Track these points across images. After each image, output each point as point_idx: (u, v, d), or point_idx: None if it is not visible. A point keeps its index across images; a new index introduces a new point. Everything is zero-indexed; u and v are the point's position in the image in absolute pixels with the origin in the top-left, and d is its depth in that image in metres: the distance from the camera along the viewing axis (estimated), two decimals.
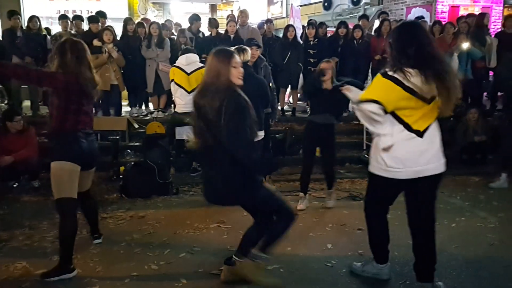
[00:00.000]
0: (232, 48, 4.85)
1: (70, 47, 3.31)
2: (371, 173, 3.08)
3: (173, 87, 5.99)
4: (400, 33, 2.89)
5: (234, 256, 3.17)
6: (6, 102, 8.21)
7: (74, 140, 3.30)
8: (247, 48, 4.87)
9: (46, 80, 3.28)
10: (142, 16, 11.96)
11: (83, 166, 3.36)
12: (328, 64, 4.61)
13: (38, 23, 7.36)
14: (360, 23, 8.00)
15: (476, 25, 7.76)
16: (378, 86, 2.84)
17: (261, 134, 4.73)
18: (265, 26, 8.18)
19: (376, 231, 3.26)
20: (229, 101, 2.75)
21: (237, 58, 2.90)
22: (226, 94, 2.77)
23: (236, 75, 2.86)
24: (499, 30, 8.19)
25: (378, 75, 2.85)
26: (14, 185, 5.61)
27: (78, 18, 7.90)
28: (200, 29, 8.06)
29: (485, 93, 8.25)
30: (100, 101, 7.27)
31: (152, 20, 8.56)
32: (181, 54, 6.15)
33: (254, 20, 10.53)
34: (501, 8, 10.73)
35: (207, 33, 7.92)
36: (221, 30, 7.86)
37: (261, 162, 2.93)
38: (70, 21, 7.67)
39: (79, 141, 3.31)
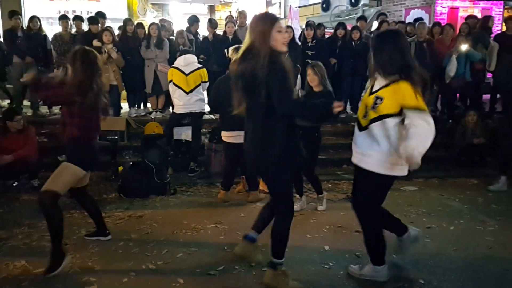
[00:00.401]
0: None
1: (81, 57, 3.43)
2: (375, 173, 3.01)
3: (171, 88, 6.00)
4: (387, 42, 2.96)
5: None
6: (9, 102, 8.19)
7: (89, 149, 3.57)
8: None
9: (63, 99, 3.46)
10: (141, 17, 11.96)
11: (90, 170, 3.66)
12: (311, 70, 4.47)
13: (39, 23, 7.36)
14: (358, 24, 8.01)
15: (481, 26, 7.77)
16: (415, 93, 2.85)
17: None
18: None
19: (374, 232, 3.23)
20: (273, 68, 2.67)
21: (282, 23, 2.80)
22: (269, 60, 2.68)
23: (281, 41, 2.77)
24: (499, 31, 8.19)
25: (407, 83, 2.85)
26: (14, 184, 5.61)
27: (78, 18, 7.90)
28: (198, 30, 8.07)
29: (484, 95, 8.26)
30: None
31: (151, 21, 8.56)
32: (179, 55, 6.15)
33: None
34: (501, 9, 10.75)
35: (205, 34, 7.92)
36: (219, 31, 7.86)
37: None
38: (70, 21, 7.66)
39: (92, 150, 3.60)
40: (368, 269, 3.31)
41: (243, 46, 2.85)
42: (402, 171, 3.02)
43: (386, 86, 2.93)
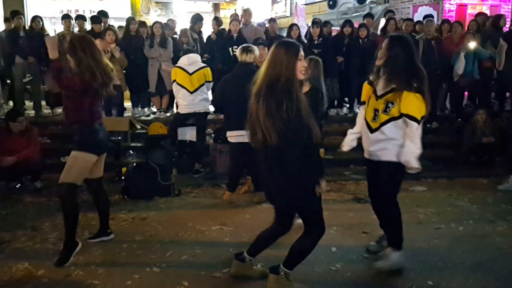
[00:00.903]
0: (238, 48, 4.86)
1: (79, 43, 3.54)
2: (396, 163, 3.24)
3: (175, 87, 5.95)
4: (404, 46, 3.21)
5: (245, 253, 3.27)
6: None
7: (93, 132, 3.60)
8: (254, 47, 4.83)
9: (65, 82, 3.55)
10: (144, 16, 11.94)
11: (98, 153, 3.65)
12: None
13: (41, 23, 7.33)
14: (365, 22, 7.92)
15: (492, 24, 7.66)
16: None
17: None
18: (267, 25, 8.12)
19: (399, 220, 3.44)
20: (290, 100, 2.63)
21: (301, 51, 2.77)
22: (288, 91, 2.65)
23: (300, 69, 2.75)
24: (507, 29, 8.07)
25: (416, 94, 3.13)
26: (17, 186, 5.59)
27: (80, 18, 7.87)
28: (202, 29, 8.02)
29: (493, 94, 8.16)
30: (102, 102, 7.25)
31: (155, 20, 8.52)
32: (182, 55, 6.11)
33: (257, 19, 10.48)
34: (510, 7, 10.62)
35: (209, 32, 7.85)
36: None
37: (309, 166, 2.79)
38: (73, 21, 7.63)
39: (97, 132, 3.62)
40: (394, 257, 3.40)
41: (263, 76, 2.76)
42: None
43: (392, 91, 3.19)
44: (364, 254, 3.71)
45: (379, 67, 3.31)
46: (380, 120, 3.25)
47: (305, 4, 14.67)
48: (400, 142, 3.22)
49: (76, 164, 3.55)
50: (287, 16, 15.68)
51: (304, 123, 2.66)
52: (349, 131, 3.69)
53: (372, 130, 3.32)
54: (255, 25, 8.07)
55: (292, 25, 7.64)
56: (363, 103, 3.53)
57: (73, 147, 3.62)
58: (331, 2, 13.53)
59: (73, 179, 3.53)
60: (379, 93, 3.29)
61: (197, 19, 8.00)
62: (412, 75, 3.15)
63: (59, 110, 7.64)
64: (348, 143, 3.63)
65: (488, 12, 9.00)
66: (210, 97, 6.40)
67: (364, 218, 4.35)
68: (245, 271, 3.29)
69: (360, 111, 3.64)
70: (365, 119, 3.41)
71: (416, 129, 3.16)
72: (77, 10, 11.29)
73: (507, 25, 8.30)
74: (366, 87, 3.50)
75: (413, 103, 3.13)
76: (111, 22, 8.61)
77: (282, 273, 3.02)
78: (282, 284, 3.03)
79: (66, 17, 7.60)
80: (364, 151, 3.51)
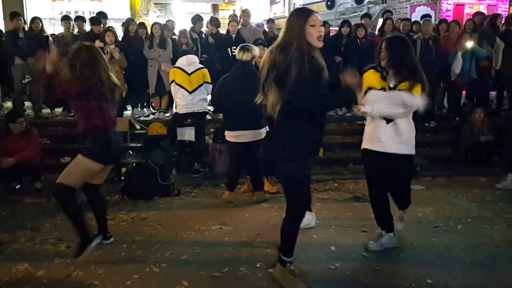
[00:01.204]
0: (236, 48, 4.87)
1: (86, 53, 3.46)
2: (412, 156, 3.67)
3: (173, 88, 5.96)
4: (402, 45, 3.50)
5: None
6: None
7: (105, 141, 3.51)
8: (252, 46, 4.84)
9: (66, 92, 3.43)
10: (144, 17, 11.95)
11: (106, 163, 3.59)
12: None
13: (40, 24, 7.33)
14: (362, 22, 7.93)
15: (489, 23, 7.67)
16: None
17: (265, 130, 4.75)
18: (266, 25, 8.14)
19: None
20: (301, 63, 2.63)
21: (317, 17, 2.76)
22: (300, 55, 2.65)
23: (315, 35, 2.72)
24: (504, 28, 8.09)
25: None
26: (16, 187, 5.59)
27: (80, 19, 7.88)
28: (202, 29, 8.04)
29: (492, 93, 8.17)
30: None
31: (154, 21, 8.53)
32: (180, 56, 6.13)
33: (256, 20, 10.49)
34: (507, 6, 10.65)
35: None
36: (223, 30, 7.81)
37: (342, 98, 2.86)
38: (73, 22, 7.64)
39: (109, 141, 3.53)
40: (387, 239, 3.78)
41: (278, 39, 2.82)
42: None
43: (400, 83, 3.46)
44: (364, 252, 3.72)
45: (384, 67, 3.55)
46: None
47: (303, 5, 14.69)
48: (411, 136, 3.61)
49: (79, 169, 3.50)
50: (286, 17, 15.69)
51: (308, 90, 2.65)
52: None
53: (388, 121, 3.54)
54: (254, 26, 8.09)
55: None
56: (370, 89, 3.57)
57: (82, 151, 3.54)
58: (329, 3, 13.55)
59: (72, 182, 3.47)
60: (391, 85, 3.52)
61: (196, 19, 8.02)
62: (413, 70, 3.47)
63: (59, 111, 7.67)
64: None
65: (485, 12, 9.01)
66: (209, 97, 6.41)
67: (363, 217, 4.37)
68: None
69: (372, 94, 3.55)
70: None
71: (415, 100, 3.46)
72: (76, 11, 11.29)
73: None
74: (372, 73, 3.60)
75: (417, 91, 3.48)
76: (110, 23, 8.62)
77: (287, 267, 3.08)
78: (284, 276, 3.09)
79: (65, 18, 7.60)
80: (371, 145, 3.65)
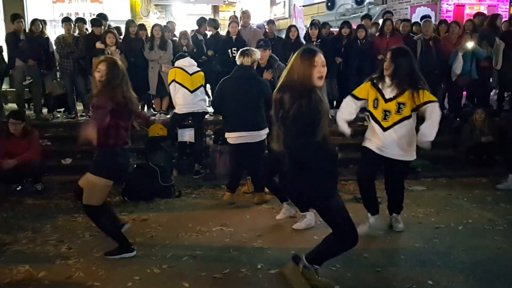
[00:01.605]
0: (236, 50, 4.90)
1: (120, 70, 3.53)
2: (410, 161, 4.00)
3: (173, 87, 5.98)
4: (407, 57, 3.75)
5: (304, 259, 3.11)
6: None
7: (113, 157, 3.52)
8: (253, 50, 4.86)
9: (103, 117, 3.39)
10: (144, 18, 11.96)
11: (116, 180, 3.68)
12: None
13: (41, 26, 7.35)
14: (363, 23, 7.94)
15: (488, 24, 7.67)
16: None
17: (265, 131, 4.77)
18: (266, 27, 8.15)
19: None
20: (302, 100, 2.69)
21: (320, 57, 2.81)
22: (302, 93, 2.71)
23: (316, 75, 2.77)
24: (505, 29, 8.09)
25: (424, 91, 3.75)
26: (17, 188, 5.59)
27: (80, 20, 7.89)
28: (207, 31, 8.07)
29: (492, 93, 8.17)
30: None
31: (155, 23, 8.56)
32: (176, 59, 6.19)
33: (257, 21, 10.50)
34: (507, 7, 10.65)
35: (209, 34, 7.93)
36: (222, 32, 7.82)
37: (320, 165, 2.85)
38: (73, 24, 7.65)
39: (117, 158, 3.54)
40: (373, 220, 4.13)
41: (282, 80, 2.86)
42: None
43: (402, 92, 3.73)
44: (364, 254, 3.71)
45: (384, 76, 3.80)
46: (393, 119, 3.78)
47: (304, 6, 14.71)
48: (411, 142, 3.85)
49: (96, 190, 3.54)
50: (286, 18, 15.70)
51: (308, 123, 2.71)
52: (340, 119, 4.00)
53: (384, 129, 3.84)
54: (254, 27, 8.09)
55: (291, 26, 7.66)
56: (355, 96, 3.99)
57: (90, 168, 3.57)
58: (329, 4, 13.56)
59: (95, 202, 3.55)
60: (387, 97, 3.79)
61: (202, 22, 8.09)
62: (415, 79, 3.73)
63: (60, 113, 7.68)
64: (348, 130, 3.98)
65: (486, 12, 9.01)
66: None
67: (364, 218, 4.36)
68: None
69: (349, 102, 4.04)
70: (375, 118, 3.88)
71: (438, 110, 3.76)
72: (77, 13, 11.30)
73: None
74: (367, 86, 3.94)
75: (426, 94, 3.73)
76: (111, 24, 8.62)
77: (301, 265, 3.06)
78: (295, 276, 3.08)
79: (66, 20, 7.60)
80: (370, 145, 3.96)
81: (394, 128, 3.80)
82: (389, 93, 3.80)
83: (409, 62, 3.74)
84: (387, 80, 3.80)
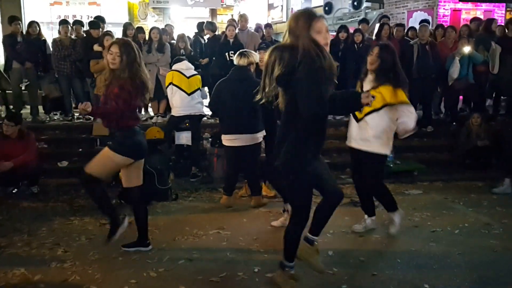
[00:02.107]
0: (234, 52, 4.88)
1: (134, 49, 3.50)
2: (379, 154, 3.88)
3: (170, 90, 5.99)
4: (393, 54, 3.83)
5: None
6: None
7: (135, 137, 3.58)
8: (250, 52, 4.87)
9: (128, 102, 3.47)
10: (142, 21, 11.98)
11: (136, 158, 3.63)
12: None
13: (38, 29, 7.34)
14: (360, 27, 7.97)
15: (484, 29, 7.72)
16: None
17: (262, 134, 4.78)
18: (264, 30, 8.18)
19: (390, 195, 4.17)
20: (304, 62, 2.58)
21: (323, 22, 2.68)
22: (308, 55, 2.59)
23: (322, 42, 2.65)
24: (501, 34, 8.14)
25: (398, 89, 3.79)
26: (13, 191, 5.58)
27: (78, 23, 7.89)
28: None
29: (488, 101, 8.22)
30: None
31: (152, 26, 8.57)
32: (174, 63, 6.19)
33: (254, 25, 10.52)
34: (503, 12, 10.71)
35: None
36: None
37: (346, 101, 2.95)
38: (71, 26, 7.65)
39: (138, 136, 3.61)
40: (397, 218, 4.12)
41: (282, 42, 2.78)
42: (389, 150, 3.99)
43: (376, 87, 3.78)
44: (361, 257, 3.72)
45: (368, 70, 3.92)
46: (364, 111, 3.79)
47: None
48: (379, 134, 3.85)
49: (108, 162, 3.55)
50: (284, 22, 15.74)
51: (305, 93, 2.62)
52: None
53: (358, 120, 3.94)
54: (252, 31, 8.12)
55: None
56: None
57: (111, 145, 3.57)
58: (326, 8, 13.61)
59: (99, 174, 3.54)
60: (364, 89, 3.85)
61: (202, 25, 8.09)
62: (395, 76, 3.79)
63: (56, 116, 7.66)
64: None
65: (482, 17, 9.07)
66: (205, 101, 6.45)
67: (361, 215, 4.37)
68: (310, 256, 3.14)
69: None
70: None
71: (408, 108, 3.79)
72: (74, 16, 11.32)
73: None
74: (358, 84, 4.13)
75: (399, 93, 3.78)
76: (108, 27, 8.63)
77: (287, 271, 3.09)
78: (284, 281, 3.09)
79: (63, 23, 7.60)
80: (349, 141, 4.09)
81: (365, 119, 3.87)
82: (367, 85, 3.89)
83: (394, 59, 3.82)
84: (370, 74, 3.90)
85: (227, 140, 4.86)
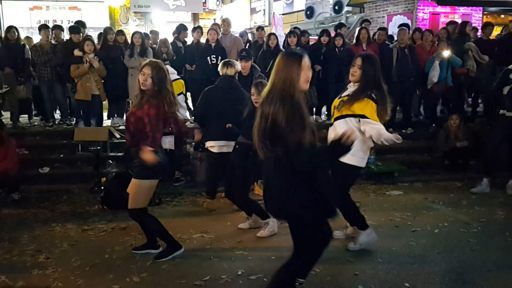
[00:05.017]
0: (215, 57, 4.89)
1: (164, 70, 3.64)
2: (349, 165, 3.66)
3: None
4: (376, 64, 3.70)
5: None
6: None
7: (157, 160, 3.54)
8: (235, 62, 4.92)
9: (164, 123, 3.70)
10: (123, 26, 11.91)
11: (159, 177, 3.74)
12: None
13: (17, 34, 7.24)
14: (339, 31, 8.06)
15: (458, 32, 7.89)
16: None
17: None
18: (255, 33, 8.26)
19: (355, 208, 3.98)
20: (284, 107, 2.46)
21: (305, 61, 2.59)
22: (285, 100, 2.48)
23: (303, 78, 2.58)
24: (475, 37, 8.35)
25: (372, 104, 3.60)
26: None
27: (57, 28, 7.83)
28: (186, 39, 8.08)
29: (469, 99, 8.40)
30: (81, 112, 7.20)
31: (134, 30, 8.53)
32: None
33: (237, 29, 10.56)
34: (480, 15, 10.96)
35: (189, 42, 7.95)
36: (202, 39, 7.85)
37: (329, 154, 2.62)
38: (50, 31, 7.57)
39: (161, 160, 3.59)
40: (363, 237, 3.92)
41: (268, 87, 2.62)
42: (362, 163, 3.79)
43: (355, 96, 3.65)
44: (343, 257, 3.76)
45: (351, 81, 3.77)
46: (334, 116, 3.77)
47: (283, 14, 14.84)
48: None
49: (142, 193, 3.64)
50: (266, 26, 15.80)
51: (287, 133, 2.45)
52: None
53: (331, 124, 3.86)
54: (234, 35, 8.15)
55: (270, 34, 7.73)
56: None
57: (134, 174, 3.65)
58: (308, 12, 13.72)
59: (142, 204, 3.67)
60: (342, 95, 3.82)
61: (181, 29, 8.08)
62: (375, 87, 3.63)
63: (36, 121, 7.57)
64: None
65: (459, 21, 9.26)
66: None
67: (344, 222, 4.40)
68: None
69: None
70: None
71: (370, 124, 3.57)
72: (55, 21, 11.20)
73: (479, 32, 8.55)
74: (332, 108, 3.97)
75: (368, 108, 3.59)
76: (89, 32, 8.57)
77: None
78: None
79: (43, 28, 7.53)
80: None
81: (334, 124, 3.76)
82: (345, 92, 3.80)
83: (377, 71, 3.67)
84: (351, 84, 3.77)
85: (214, 146, 4.85)
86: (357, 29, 8.87)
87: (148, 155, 3.41)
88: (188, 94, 7.69)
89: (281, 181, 2.59)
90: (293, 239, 2.77)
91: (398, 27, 8.35)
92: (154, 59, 3.86)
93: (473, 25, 9.23)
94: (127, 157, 5.98)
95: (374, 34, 8.10)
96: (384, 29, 8.23)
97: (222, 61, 4.99)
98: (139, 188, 3.62)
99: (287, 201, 2.58)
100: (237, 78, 4.89)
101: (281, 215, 2.79)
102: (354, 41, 8.06)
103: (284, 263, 2.78)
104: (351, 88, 3.78)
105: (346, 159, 3.51)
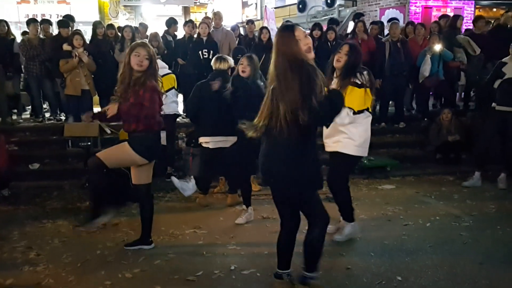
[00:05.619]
0: (207, 50, 4.83)
1: (153, 54, 3.60)
2: (345, 154, 3.77)
3: None
4: (360, 55, 3.81)
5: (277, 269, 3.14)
6: None
7: (156, 141, 3.70)
8: (227, 57, 4.89)
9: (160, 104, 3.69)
10: (113, 19, 11.79)
11: (150, 159, 3.73)
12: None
13: (6, 27, 7.14)
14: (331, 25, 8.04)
15: (449, 25, 7.91)
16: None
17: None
18: (246, 26, 8.19)
19: (349, 201, 4.00)
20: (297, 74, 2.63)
21: (300, 30, 2.69)
22: (296, 69, 2.64)
23: (303, 48, 2.67)
24: (467, 31, 8.37)
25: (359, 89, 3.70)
26: None
27: (46, 22, 7.72)
28: (176, 32, 8.01)
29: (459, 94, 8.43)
30: (71, 107, 7.13)
31: (124, 24, 8.45)
32: None
33: (229, 23, 10.50)
34: (473, 9, 10.99)
35: (180, 36, 7.89)
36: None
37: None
38: (39, 25, 7.47)
39: (157, 140, 3.71)
40: (348, 228, 3.98)
41: (272, 62, 2.76)
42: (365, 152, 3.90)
43: (344, 85, 3.71)
44: (335, 252, 3.76)
45: (334, 69, 3.86)
46: None
47: (275, 8, 14.79)
48: (329, 133, 3.83)
49: (122, 156, 3.63)
50: (258, 20, 15.74)
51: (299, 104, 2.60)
52: None
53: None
54: (226, 29, 8.09)
55: (262, 28, 7.70)
56: None
57: (130, 143, 3.60)
58: (300, 6, 13.66)
59: (108, 162, 3.60)
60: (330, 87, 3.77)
61: (171, 22, 8.01)
62: (358, 72, 3.73)
63: (26, 115, 7.48)
64: None
65: (452, 14, 9.28)
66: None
67: (336, 217, 4.41)
68: None
69: None
70: None
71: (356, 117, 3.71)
72: (43, 14, 11.05)
73: (470, 26, 8.58)
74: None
75: (355, 98, 3.68)
76: (79, 26, 8.47)
77: (312, 285, 2.99)
78: None
79: (32, 22, 7.42)
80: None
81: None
82: (334, 84, 3.81)
83: (359, 60, 3.79)
84: (336, 71, 3.85)
85: (207, 141, 4.82)
86: (351, 22, 8.87)
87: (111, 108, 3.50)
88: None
89: (293, 156, 2.73)
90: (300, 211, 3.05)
91: (388, 21, 8.36)
92: (144, 41, 3.86)
93: (465, 18, 9.27)
94: None
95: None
96: (377, 23, 8.22)
97: (215, 56, 4.95)
98: (125, 153, 3.59)
99: (297, 176, 2.75)
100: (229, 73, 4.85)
101: (289, 190, 2.89)
102: (350, 34, 8.03)
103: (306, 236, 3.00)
104: (334, 84, 3.82)
105: (350, 150, 3.76)
